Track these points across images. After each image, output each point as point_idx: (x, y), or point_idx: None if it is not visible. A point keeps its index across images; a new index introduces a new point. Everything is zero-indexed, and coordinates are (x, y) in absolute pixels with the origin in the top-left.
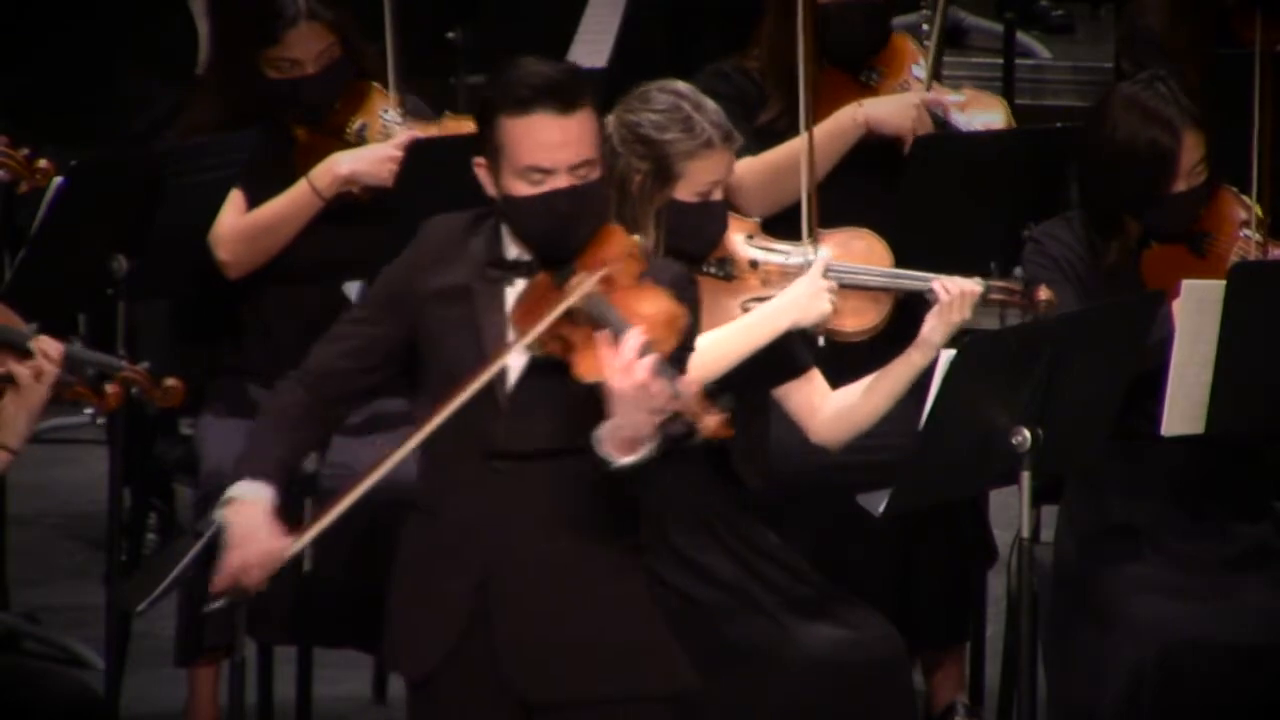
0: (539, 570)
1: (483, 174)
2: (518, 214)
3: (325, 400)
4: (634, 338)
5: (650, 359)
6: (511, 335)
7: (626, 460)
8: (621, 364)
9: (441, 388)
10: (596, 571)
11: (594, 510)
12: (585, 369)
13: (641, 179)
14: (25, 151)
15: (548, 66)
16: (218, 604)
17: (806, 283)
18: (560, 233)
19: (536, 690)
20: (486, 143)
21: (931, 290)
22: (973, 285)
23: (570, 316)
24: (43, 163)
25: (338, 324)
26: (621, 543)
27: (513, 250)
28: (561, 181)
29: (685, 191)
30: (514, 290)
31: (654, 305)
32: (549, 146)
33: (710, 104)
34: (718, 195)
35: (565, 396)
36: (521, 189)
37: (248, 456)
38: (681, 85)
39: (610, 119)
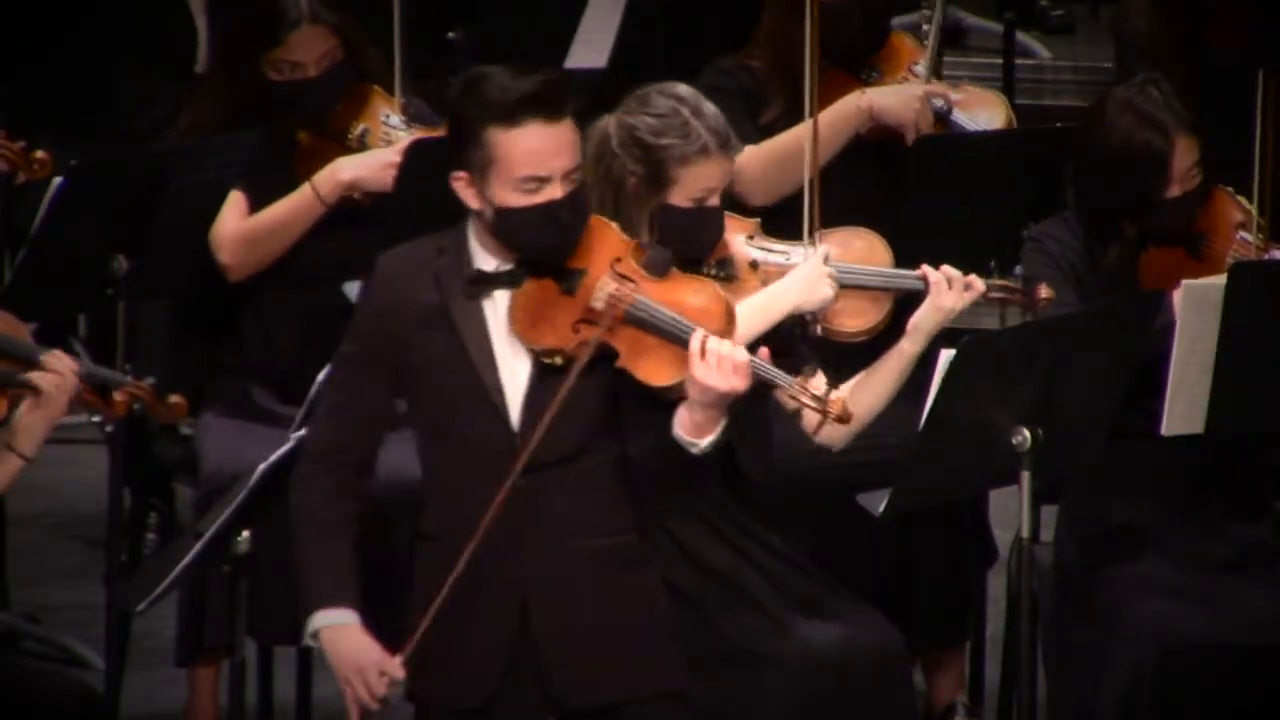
0: (569, 574)
1: (463, 188)
2: (515, 225)
3: (350, 469)
4: (719, 342)
5: (745, 357)
6: (514, 345)
7: (706, 442)
8: (717, 367)
9: (437, 414)
10: (614, 566)
11: (603, 504)
12: (650, 373)
13: (636, 182)
14: (21, 143)
15: (525, 77)
16: None
17: (808, 268)
18: (562, 242)
19: (580, 697)
20: (469, 155)
21: (923, 279)
22: (960, 274)
23: (597, 320)
24: (40, 153)
25: (331, 392)
26: (629, 532)
27: (489, 262)
28: (557, 190)
29: (679, 197)
30: (492, 303)
31: (700, 296)
32: (544, 155)
33: (710, 110)
34: (714, 201)
35: (579, 398)
36: (516, 199)
37: (311, 584)
38: (683, 89)
39: (610, 120)
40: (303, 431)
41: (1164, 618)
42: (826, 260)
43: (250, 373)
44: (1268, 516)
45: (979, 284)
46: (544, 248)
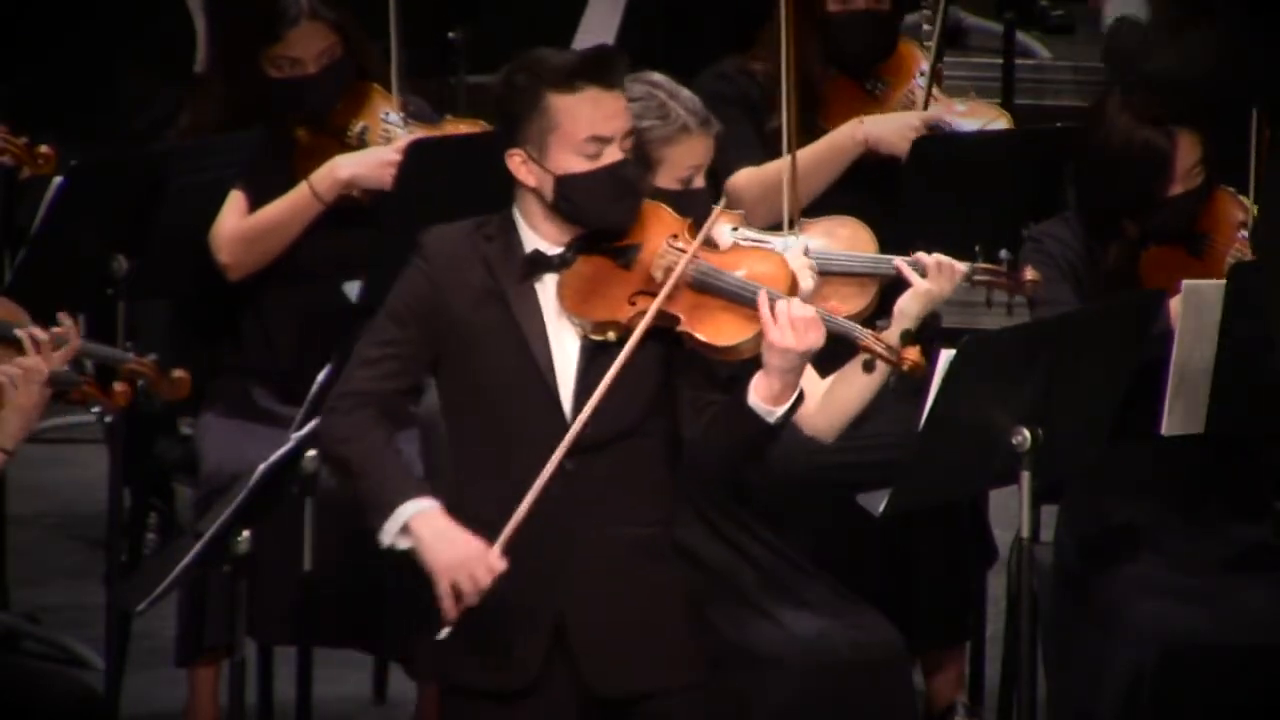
0: (606, 562)
1: (519, 164)
2: (579, 191)
3: (388, 413)
4: (786, 302)
5: (814, 312)
6: (566, 328)
7: (781, 410)
8: (792, 328)
9: (482, 396)
10: (647, 556)
11: (643, 493)
12: (714, 333)
13: None
14: (24, 139)
15: (574, 52)
16: (449, 630)
17: (788, 260)
18: (630, 201)
19: (611, 685)
20: (526, 129)
21: (914, 263)
22: (948, 259)
23: (657, 290)
24: (44, 148)
25: (366, 346)
26: (663, 524)
27: (540, 245)
28: (616, 153)
29: (666, 178)
30: (544, 286)
31: (763, 263)
32: (606, 116)
33: (686, 93)
34: (699, 181)
35: (632, 375)
36: (578, 164)
37: (386, 484)
38: (658, 76)
39: None
40: (303, 431)
41: (1164, 618)
42: (807, 251)
43: (250, 373)
44: (1268, 516)
45: (960, 267)
46: (610, 210)
